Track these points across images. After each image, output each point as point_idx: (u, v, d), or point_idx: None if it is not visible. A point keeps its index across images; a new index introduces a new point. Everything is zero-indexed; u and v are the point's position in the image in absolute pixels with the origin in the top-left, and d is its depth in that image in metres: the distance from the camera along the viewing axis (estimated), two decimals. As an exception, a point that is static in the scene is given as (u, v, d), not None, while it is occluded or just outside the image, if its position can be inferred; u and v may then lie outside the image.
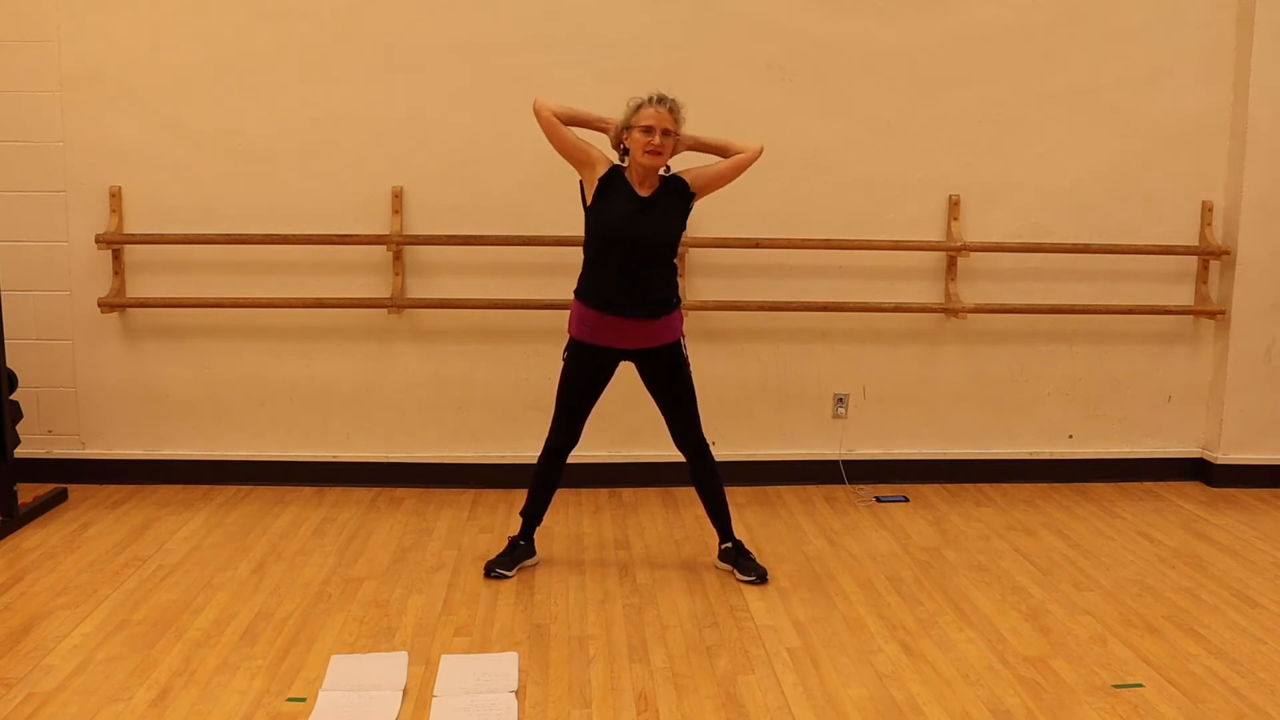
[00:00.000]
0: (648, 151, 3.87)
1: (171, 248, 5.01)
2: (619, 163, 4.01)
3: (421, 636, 3.59)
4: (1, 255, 4.91)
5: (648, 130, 3.86)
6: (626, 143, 3.95)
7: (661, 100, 3.90)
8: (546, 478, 4.18)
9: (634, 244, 3.90)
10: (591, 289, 3.98)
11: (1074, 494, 5.23)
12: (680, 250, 4.98)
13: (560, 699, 3.19)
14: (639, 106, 3.90)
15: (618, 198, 3.93)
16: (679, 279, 4.96)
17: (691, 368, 4.09)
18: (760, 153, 4.04)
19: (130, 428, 5.16)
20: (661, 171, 3.97)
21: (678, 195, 3.98)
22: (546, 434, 4.13)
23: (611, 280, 3.94)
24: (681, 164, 4.03)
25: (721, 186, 4.07)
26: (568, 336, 4.07)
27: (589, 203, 3.98)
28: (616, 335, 3.97)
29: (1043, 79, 5.15)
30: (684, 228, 4.02)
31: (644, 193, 3.94)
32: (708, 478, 4.15)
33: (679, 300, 4.06)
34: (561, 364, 4.09)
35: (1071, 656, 3.51)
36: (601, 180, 3.95)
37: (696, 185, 4.01)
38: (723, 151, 4.04)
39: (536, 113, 4.00)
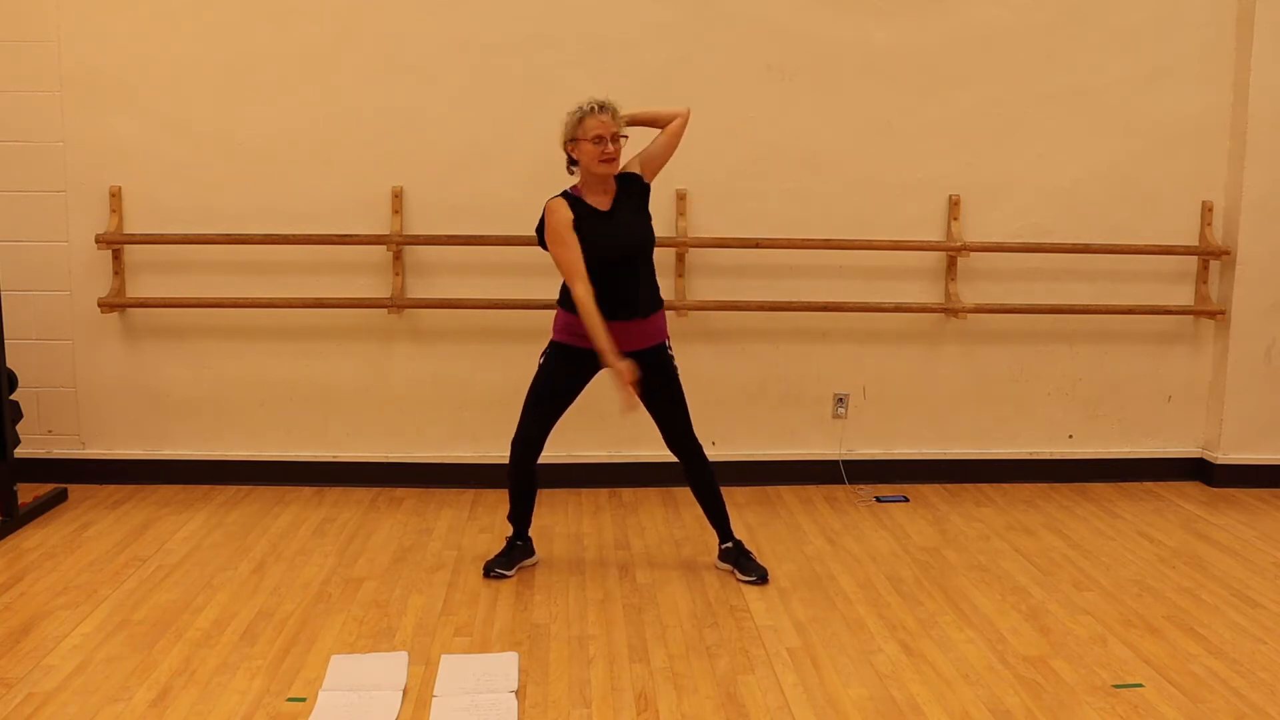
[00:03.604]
0: (603, 160, 3.86)
1: (171, 248, 5.01)
2: (570, 188, 3.96)
3: (421, 636, 3.59)
4: (1, 255, 4.92)
5: (599, 140, 3.83)
6: (574, 155, 3.91)
7: (603, 107, 3.85)
8: (523, 480, 4.15)
9: (613, 258, 3.90)
10: None
11: (1074, 494, 5.23)
12: (680, 250, 5.02)
13: (560, 699, 3.19)
14: (581, 119, 3.84)
15: (588, 225, 3.89)
16: (679, 279, 5.01)
17: (680, 370, 4.08)
18: (688, 115, 4.04)
19: (130, 428, 5.16)
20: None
21: (635, 193, 3.99)
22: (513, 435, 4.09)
23: (600, 293, 3.90)
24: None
25: (666, 161, 4.06)
26: (549, 341, 4.07)
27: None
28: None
29: (1043, 79, 5.15)
30: (650, 217, 4.02)
31: (604, 205, 3.93)
32: (703, 479, 4.15)
33: (662, 300, 4.09)
34: (538, 368, 4.08)
35: (1071, 656, 3.51)
36: (574, 222, 3.89)
37: (646, 172, 4.03)
38: (654, 123, 4.04)
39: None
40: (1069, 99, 5.17)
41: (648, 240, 3.99)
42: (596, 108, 3.85)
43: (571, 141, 3.90)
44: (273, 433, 5.19)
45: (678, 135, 4.04)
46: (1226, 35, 5.17)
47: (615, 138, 3.86)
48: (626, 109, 3.97)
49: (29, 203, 4.99)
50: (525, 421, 4.09)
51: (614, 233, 3.91)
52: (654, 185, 4.07)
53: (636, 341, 3.97)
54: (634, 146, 4.01)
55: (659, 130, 4.05)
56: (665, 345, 4.07)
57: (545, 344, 4.00)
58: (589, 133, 3.83)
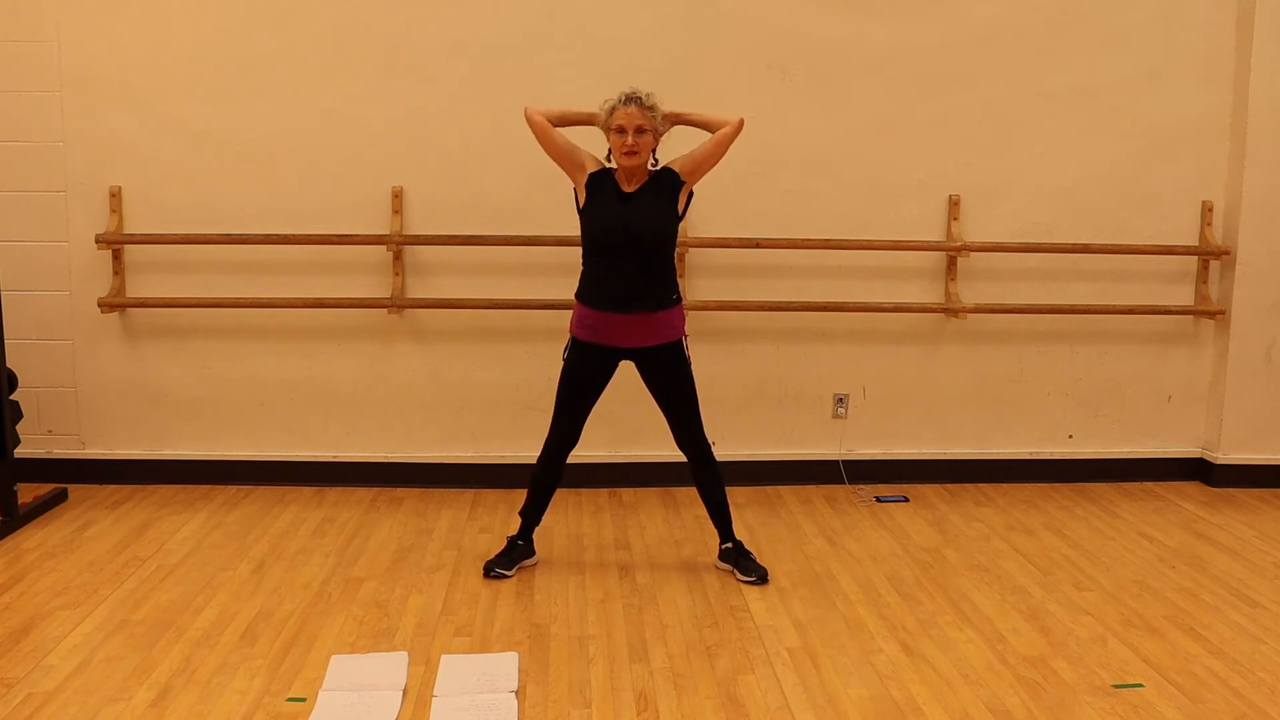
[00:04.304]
0: (625, 153, 3.89)
1: (171, 248, 5.01)
2: (608, 164, 4.03)
3: (421, 636, 3.59)
4: (1, 255, 4.91)
5: (620, 131, 3.88)
6: (609, 142, 3.97)
7: (631, 99, 3.89)
8: (546, 478, 4.18)
9: (619, 239, 3.91)
10: (589, 289, 4.00)
11: (1074, 494, 5.23)
12: (680, 250, 5.01)
13: (560, 699, 3.19)
14: (613, 108, 3.92)
15: (602, 197, 3.97)
16: (679, 279, 5.00)
17: (693, 368, 4.08)
18: (741, 124, 4.00)
19: (130, 428, 5.16)
20: (650, 165, 3.99)
21: (666, 186, 3.98)
22: (546, 434, 4.14)
23: (605, 278, 3.96)
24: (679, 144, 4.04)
25: (712, 166, 4.03)
26: (569, 336, 4.08)
27: (580, 205, 4.02)
28: (616, 333, 3.97)
29: (1043, 79, 5.15)
30: (677, 217, 4.00)
31: (628, 189, 3.96)
32: (709, 479, 4.15)
33: (679, 296, 4.06)
34: (562, 364, 4.10)
35: (1071, 656, 3.51)
36: (589, 182, 3.99)
37: (685, 172, 4.01)
38: (705, 126, 4.03)
39: (528, 119, 4.04)
40: (1069, 99, 5.17)
41: (654, 230, 3.94)
42: (625, 99, 3.90)
43: (606, 130, 3.95)
44: (273, 433, 5.18)
45: (724, 144, 3.99)
46: (1226, 35, 5.17)
47: (639, 130, 3.87)
48: (676, 108, 3.99)
49: (29, 203, 4.99)
50: (555, 418, 4.11)
51: (621, 214, 3.92)
52: None
53: (639, 338, 3.97)
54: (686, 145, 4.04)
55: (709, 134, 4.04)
56: (680, 343, 4.05)
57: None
58: (614, 122, 3.90)
